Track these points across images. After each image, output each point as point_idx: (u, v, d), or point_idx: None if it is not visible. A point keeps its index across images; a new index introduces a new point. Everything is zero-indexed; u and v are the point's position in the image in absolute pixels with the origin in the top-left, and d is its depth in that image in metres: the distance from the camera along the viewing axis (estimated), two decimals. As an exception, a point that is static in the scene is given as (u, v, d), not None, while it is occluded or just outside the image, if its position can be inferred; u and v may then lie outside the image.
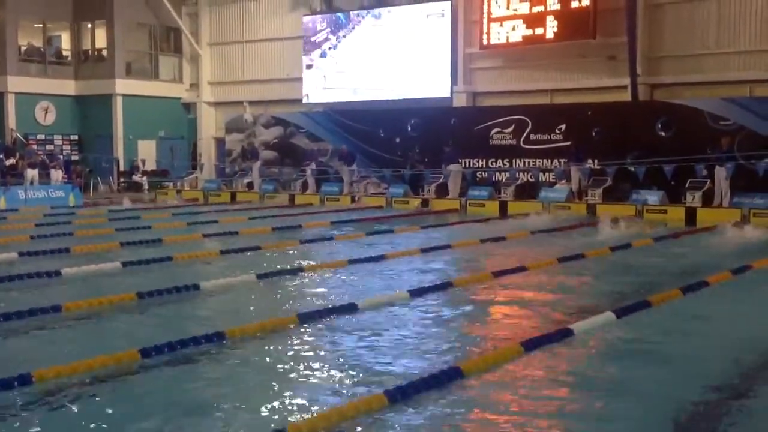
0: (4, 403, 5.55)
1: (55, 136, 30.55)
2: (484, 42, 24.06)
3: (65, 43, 32.12)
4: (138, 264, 11.58)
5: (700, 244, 15.04)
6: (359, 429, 5.10)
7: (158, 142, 31.38)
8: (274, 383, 6.06)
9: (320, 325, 7.94)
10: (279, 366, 6.54)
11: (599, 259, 12.58)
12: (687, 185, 19.63)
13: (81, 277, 10.68)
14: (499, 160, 23.11)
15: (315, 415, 5.26)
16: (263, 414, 5.37)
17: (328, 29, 27.34)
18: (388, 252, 12.88)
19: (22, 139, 28.89)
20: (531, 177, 22.34)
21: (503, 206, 21.28)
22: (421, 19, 25.41)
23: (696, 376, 6.28)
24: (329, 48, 27.33)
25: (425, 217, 20.17)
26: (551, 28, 22.64)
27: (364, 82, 26.54)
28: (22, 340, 7.48)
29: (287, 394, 5.81)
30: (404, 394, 5.58)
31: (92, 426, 5.22)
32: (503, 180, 22.64)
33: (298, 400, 5.67)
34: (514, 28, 23.36)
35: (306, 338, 7.53)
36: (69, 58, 31.63)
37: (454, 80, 24.88)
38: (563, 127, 22.10)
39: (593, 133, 21.66)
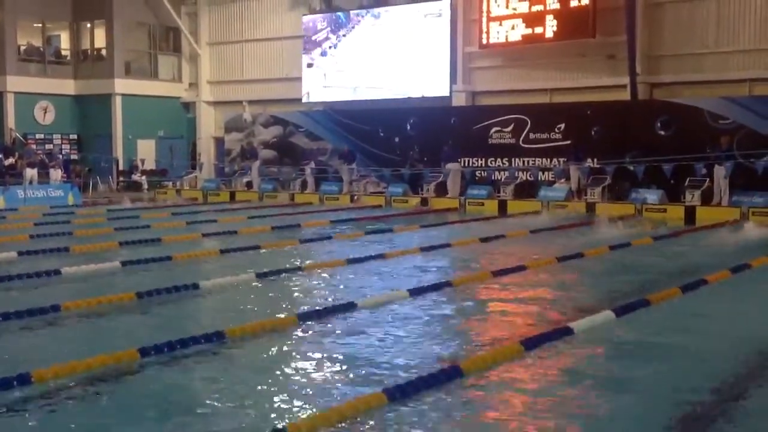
0: (3, 402, 5.54)
1: (54, 136, 30.55)
2: (484, 41, 24.05)
3: (64, 42, 32.12)
4: (137, 263, 11.58)
5: (700, 243, 15.04)
6: (359, 428, 5.10)
7: (157, 142, 31.37)
8: (273, 382, 6.06)
9: (320, 325, 7.94)
10: (278, 365, 6.54)
11: (598, 258, 12.58)
12: (686, 184, 19.65)
13: (80, 276, 10.67)
14: (499, 159, 23.12)
15: (314, 414, 5.26)
16: (263, 413, 5.36)
17: (329, 28, 27.35)
18: (388, 251, 12.88)
19: (22, 138, 28.88)
20: (530, 176, 22.35)
21: (502, 205, 21.29)
22: (420, 18, 25.41)
23: (695, 374, 6.28)
24: (329, 47, 27.33)
25: (424, 216, 20.17)
26: (551, 27, 22.64)
27: (363, 82, 26.54)
28: (21, 340, 7.47)
29: (287, 393, 5.81)
30: (404, 393, 5.58)
31: (91, 425, 5.22)
32: (502, 179, 22.64)
33: (298, 399, 5.67)
34: (513, 27, 23.35)
35: (305, 337, 7.53)
36: (68, 58, 31.63)
37: (453, 79, 24.87)
38: (562, 126, 22.11)
39: (592, 132, 21.67)
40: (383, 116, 25.32)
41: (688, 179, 19.65)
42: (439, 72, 25.01)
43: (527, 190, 21.95)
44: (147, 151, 30.83)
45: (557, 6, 22.48)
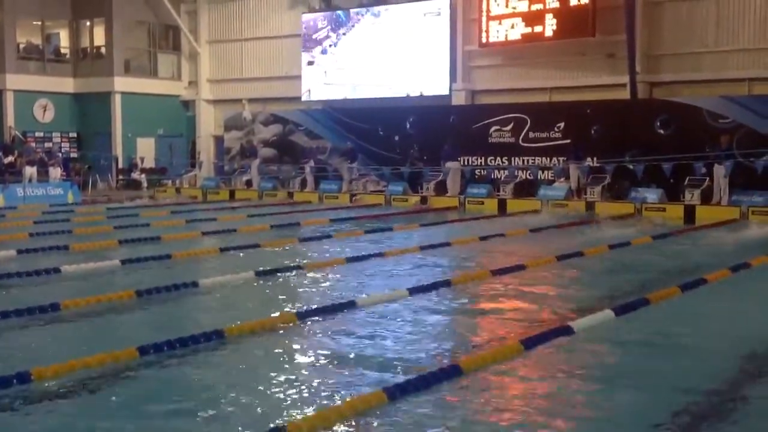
0: (2, 401, 5.54)
1: (53, 134, 30.51)
2: (483, 40, 24.04)
3: (64, 40, 32.08)
4: (137, 262, 11.59)
5: (699, 242, 15.04)
6: (359, 427, 5.10)
7: (157, 140, 31.34)
8: (273, 381, 6.06)
9: (319, 323, 7.94)
10: (278, 364, 6.54)
11: (598, 256, 12.58)
12: (686, 183, 19.64)
13: (80, 274, 10.68)
14: (498, 158, 23.11)
15: (314, 413, 5.26)
16: (262, 412, 5.36)
17: (329, 27, 27.34)
18: (387, 250, 12.88)
19: (21, 136, 28.86)
20: (530, 175, 22.34)
21: (502, 204, 21.29)
22: (419, 17, 25.40)
23: (695, 374, 6.28)
24: (330, 45, 27.33)
25: (424, 214, 20.17)
26: (550, 26, 22.63)
27: (363, 80, 26.53)
28: (21, 338, 7.47)
29: (286, 392, 5.81)
30: (403, 391, 5.58)
31: (91, 424, 5.22)
32: (502, 178, 22.64)
33: (298, 398, 5.67)
34: (513, 26, 23.34)
35: (305, 336, 7.53)
36: (68, 56, 31.59)
37: (453, 78, 24.86)
38: (562, 125, 22.10)
39: (592, 131, 21.66)
40: (383, 115, 25.31)
41: (687, 178, 19.65)
42: (439, 71, 25.01)
43: (527, 189, 21.95)
44: (146, 150, 30.81)
45: (557, 5, 22.46)
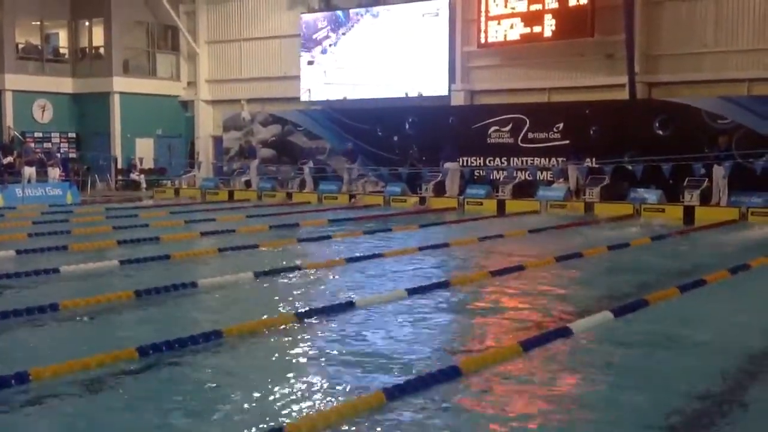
0: (1, 401, 5.54)
1: (52, 134, 30.50)
2: (482, 40, 24.04)
3: (63, 40, 32.08)
4: (136, 262, 11.58)
5: (698, 243, 15.05)
6: (358, 427, 5.09)
7: (156, 140, 31.34)
8: (272, 382, 6.05)
9: (318, 324, 7.94)
10: (277, 364, 6.54)
11: (597, 258, 12.58)
12: (685, 184, 19.66)
13: (79, 275, 10.67)
14: (497, 159, 23.11)
15: (313, 413, 5.26)
16: (261, 412, 5.35)
17: (329, 27, 27.36)
18: (386, 250, 12.88)
19: (20, 137, 28.84)
20: (529, 175, 22.34)
21: (501, 205, 21.29)
22: (418, 17, 25.41)
23: (694, 374, 6.28)
24: (330, 45, 27.35)
25: (423, 215, 20.16)
26: (549, 26, 22.63)
27: (363, 80, 26.53)
28: (20, 338, 7.46)
29: (285, 392, 5.81)
30: (403, 392, 5.58)
31: (89, 424, 5.22)
32: (501, 178, 22.64)
33: (297, 399, 5.66)
34: (512, 27, 23.35)
35: (304, 336, 7.52)
36: (66, 56, 31.59)
37: (451, 79, 24.87)
38: (561, 125, 22.11)
39: (591, 132, 21.67)
40: (382, 115, 25.32)
41: (686, 179, 19.66)
42: (438, 71, 25.01)
43: (526, 190, 21.95)
44: (145, 150, 30.80)
45: (556, 5, 22.47)
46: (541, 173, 22.29)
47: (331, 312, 8.32)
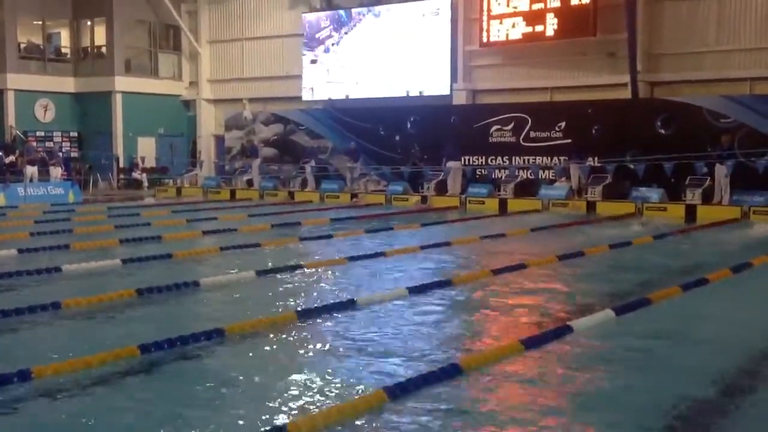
0: (3, 399, 5.54)
1: (54, 133, 30.55)
2: (484, 39, 24.04)
3: (65, 40, 32.12)
4: (138, 261, 11.59)
5: (700, 242, 15.03)
6: (359, 426, 5.09)
7: (158, 140, 31.37)
8: (273, 380, 6.05)
9: (320, 322, 7.94)
10: (278, 363, 6.54)
11: (599, 256, 12.58)
12: (687, 183, 19.64)
13: (81, 273, 10.68)
14: (499, 158, 23.10)
15: (315, 412, 5.25)
16: (263, 411, 5.36)
17: (331, 26, 27.38)
18: (388, 249, 12.87)
19: (22, 136, 28.87)
20: (531, 174, 22.34)
21: (503, 204, 21.29)
22: (420, 17, 25.42)
23: (696, 374, 6.27)
24: (332, 44, 27.36)
25: (425, 214, 20.16)
26: (551, 25, 22.63)
27: (364, 80, 26.53)
28: (22, 337, 7.47)
29: (287, 391, 5.81)
30: (404, 390, 5.58)
31: (91, 423, 5.22)
32: (503, 177, 22.64)
33: (298, 398, 5.66)
34: (514, 26, 23.34)
35: (305, 335, 7.53)
36: (68, 56, 31.62)
37: (453, 78, 24.87)
38: (563, 124, 22.11)
39: (593, 131, 21.66)
40: (384, 114, 25.32)
41: (688, 178, 19.65)
42: (440, 70, 25.01)
43: (528, 189, 21.94)
44: (147, 149, 30.84)
45: (558, 4, 22.46)
46: (543, 172, 22.29)
47: (332, 310, 8.32)
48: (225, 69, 31.01)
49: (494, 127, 23.22)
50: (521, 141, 22.78)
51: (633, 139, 20.88)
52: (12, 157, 26.77)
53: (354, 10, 26.96)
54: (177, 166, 30.34)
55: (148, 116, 30.55)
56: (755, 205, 18.37)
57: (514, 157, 22.77)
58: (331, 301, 8.76)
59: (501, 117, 23.11)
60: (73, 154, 30.38)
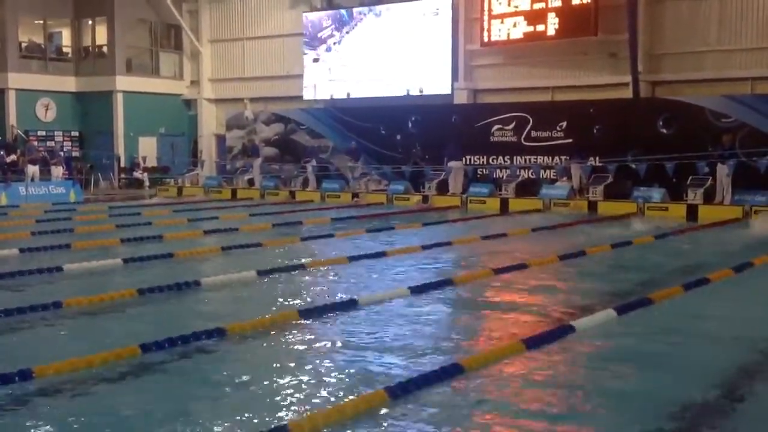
0: (4, 398, 5.54)
1: (55, 133, 30.55)
2: (485, 39, 24.02)
3: (66, 39, 32.12)
4: (139, 260, 11.59)
5: (702, 241, 15.02)
6: (360, 426, 5.09)
7: (159, 139, 31.37)
8: (274, 380, 6.05)
9: (321, 322, 7.94)
10: (279, 362, 6.53)
11: (600, 256, 12.57)
12: (688, 182, 19.62)
13: (82, 273, 10.68)
14: (500, 157, 23.09)
15: (316, 411, 5.25)
16: (264, 410, 5.35)
17: (333, 26, 27.38)
18: (389, 249, 12.87)
19: (23, 135, 28.88)
20: (532, 174, 22.33)
21: (504, 203, 21.29)
22: (420, 16, 25.42)
23: (696, 374, 6.27)
24: (334, 43, 27.37)
25: (426, 214, 20.15)
26: (552, 25, 22.60)
27: (366, 79, 26.52)
28: (23, 336, 7.47)
29: (288, 390, 5.81)
30: (405, 390, 5.57)
31: (92, 422, 5.22)
32: (504, 177, 22.63)
33: (299, 397, 5.66)
34: (515, 25, 23.32)
35: (306, 334, 7.52)
36: (69, 55, 31.62)
37: (455, 77, 24.85)
38: (564, 124, 22.09)
39: (594, 131, 21.64)
40: (385, 114, 25.31)
41: (690, 178, 19.63)
42: (441, 70, 25.00)
43: (529, 188, 21.93)
44: (148, 149, 30.85)
45: (559, 4, 22.43)
46: (545, 172, 22.27)
47: (333, 310, 8.32)
48: (226, 68, 31.01)
49: (495, 127, 23.20)
50: (522, 140, 22.77)
51: (634, 139, 20.87)
52: (13, 157, 26.78)
53: (355, 10, 26.96)
54: (178, 166, 30.35)
55: (149, 116, 30.56)
56: (757, 204, 18.36)
57: (515, 157, 22.76)
58: (333, 301, 8.76)
59: (502, 116, 23.09)
60: (74, 154, 30.40)
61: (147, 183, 28.94)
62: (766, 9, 20.42)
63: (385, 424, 5.12)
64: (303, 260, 11.63)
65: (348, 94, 26.89)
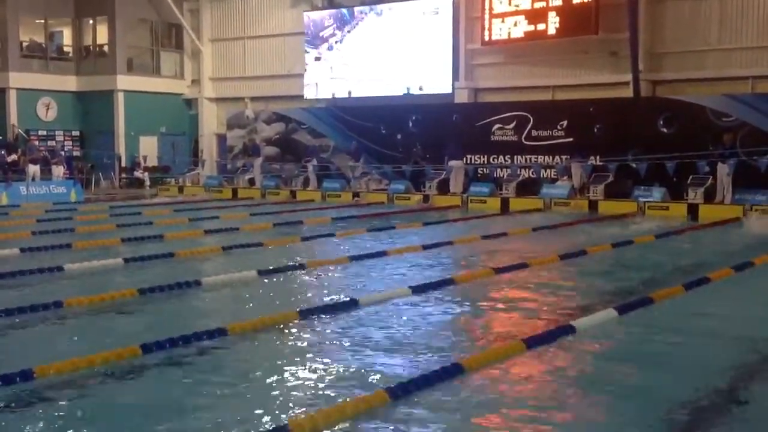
0: (5, 398, 5.55)
1: (56, 132, 30.55)
2: (486, 38, 24.01)
3: (67, 39, 32.13)
4: (140, 260, 11.59)
5: (702, 241, 15.02)
6: (360, 425, 5.09)
7: (160, 138, 31.37)
8: (275, 379, 6.06)
9: (321, 321, 7.94)
10: (280, 362, 6.53)
11: (601, 255, 12.57)
12: (689, 182, 19.61)
13: (83, 272, 10.69)
14: (501, 157, 23.08)
15: (316, 411, 5.25)
16: (265, 410, 5.36)
17: (335, 25, 27.38)
18: (390, 248, 12.88)
19: (24, 135, 28.89)
20: (532, 173, 22.32)
21: (505, 202, 21.29)
22: (421, 15, 25.42)
23: (697, 373, 6.27)
24: (336, 42, 27.37)
25: (427, 213, 20.15)
26: (553, 24, 22.59)
27: (367, 78, 26.51)
28: (24, 336, 7.48)
29: (288, 390, 5.81)
30: (405, 390, 5.58)
31: (93, 422, 5.23)
32: (504, 176, 22.62)
33: (300, 397, 5.67)
34: (515, 24, 23.31)
35: (307, 334, 7.53)
36: (70, 54, 31.63)
37: (455, 76, 24.84)
38: (565, 123, 22.08)
39: (595, 130, 21.63)
40: (385, 113, 25.30)
41: (690, 177, 19.62)
42: (442, 69, 24.99)
43: (529, 188, 21.93)
44: (149, 148, 30.85)
45: (560, 3, 22.42)
46: (545, 171, 22.26)
47: (334, 310, 8.33)
48: (227, 67, 31.00)
49: (496, 126, 23.20)
50: (523, 140, 22.76)
51: (635, 138, 20.86)
52: (14, 156, 26.80)
53: (356, 9, 26.96)
54: (179, 165, 30.36)
55: (150, 115, 30.56)
56: (757, 203, 18.35)
57: (515, 156, 22.75)
58: (333, 301, 8.76)
59: (503, 115, 23.08)
60: (75, 153, 30.39)
61: (148, 182, 28.95)
62: (767, 8, 20.40)
63: (385, 424, 5.13)
64: (304, 260, 11.63)
65: (349, 93, 26.90)
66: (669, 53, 21.86)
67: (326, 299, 8.97)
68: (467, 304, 9.08)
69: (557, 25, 22.53)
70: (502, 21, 23.54)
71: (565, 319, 7.89)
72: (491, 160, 23.23)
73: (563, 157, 21.88)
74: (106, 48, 30.80)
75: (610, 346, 7.16)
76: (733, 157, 19.03)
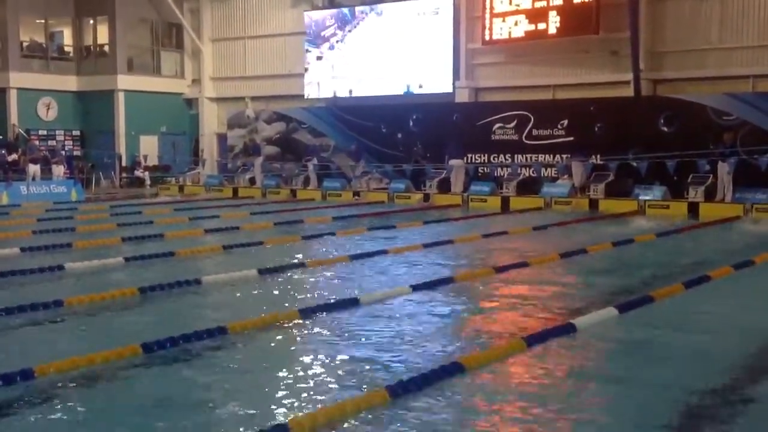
0: (5, 398, 5.55)
1: (57, 132, 30.57)
2: (487, 37, 24.01)
3: (67, 38, 32.15)
4: (140, 259, 11.60)
5: (703, 239, 15.02)
6: (361, 424, 5.09)
7: (160, 138, 31.39)
8: (275, 378, 6.06)
9: (322, 320, 7.94)
10: (280, 361, 6.54)
11: (601, 254, 12.56)
12: (689, 180, 19.61)
13: (83, 272, 10.69)
14: (501, 156, 23.08)
15: (316, 410, 5.25)
16: (265, 409, 5.36)
17: (336, 24, 27.39)
18: (390, 247, 12.88)
19: (25, 134, 28.90)
20: (533, 172, 22.32)
21: (505, 201, 21.29)
22: (421, 15, 25.42)
23: (698, 371, 6.27)
24: (337, 41, 27.38)
25: (427, 212, 20.15)
26: (554, 23, 22.59)
27: (368, 77, 26.52)
28: (24, 335, 7.48)
29: (288, 389, 5.81)
30: (406, 389, 5.57)
31: (94, 421, 5.22)
32: (505, 175, 22.63)
33: (300, 395, 5.66)
34: (516, 24, 23.31)
35: (307, 333, 7.53)
36: (71, 54, 31.65)
37: (456, 76, 24.84)
38: (565, 122, 22.08)
39: (596, 129, 21.63)
40: (386, 112, 25.30)
41: (691, 175, 19.62)
42: (442, 68, 25.00)
43: (530, 187, 21.93)
44: (150, 148, 30.87)
45: (560, 2, 22.42)
46: (546, 170, 22.27)
47: (334, 309, 8.32)
48: (227, 67, 31.01)
49: (497, 125, 23.19)
50: (524, 139, 22.75)
51: (635, 137, 20.86)
52: (15, 156, 26.81)
53: (357, 9, 26.97)
54: (179, 165, 30.37)
55: (151, 114, 30.57)
56: (758, 202, 18.34)
57: (516, 155, 22.75)
58: (334, 299, 8.76)
59: (503, 115, 23.08)
60: (75, 153, 30.41)
61: (148, 182, 28.96)
62: (767, 7, 20.39)
63: (385, 423, 5.12)
64: (304, 259, 11.63)
65: (350, 92, 26.90)
66: (670, 52, 21.86)
67: (327, 298, 8.97)
68: (468, 302, 9.08)
69: (558, 25, 22.52)
70: (503, 20, 23.54)
71: (566, 318, 7.88)
72: (492, 159, 23.22)
73: (564, 156, 21.88)
74: (106, 48, 30.81)
75: (610, 345, 7.16)
76: (734, 156, 19.03)
